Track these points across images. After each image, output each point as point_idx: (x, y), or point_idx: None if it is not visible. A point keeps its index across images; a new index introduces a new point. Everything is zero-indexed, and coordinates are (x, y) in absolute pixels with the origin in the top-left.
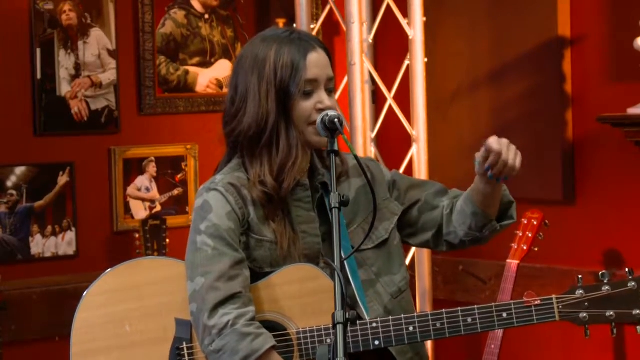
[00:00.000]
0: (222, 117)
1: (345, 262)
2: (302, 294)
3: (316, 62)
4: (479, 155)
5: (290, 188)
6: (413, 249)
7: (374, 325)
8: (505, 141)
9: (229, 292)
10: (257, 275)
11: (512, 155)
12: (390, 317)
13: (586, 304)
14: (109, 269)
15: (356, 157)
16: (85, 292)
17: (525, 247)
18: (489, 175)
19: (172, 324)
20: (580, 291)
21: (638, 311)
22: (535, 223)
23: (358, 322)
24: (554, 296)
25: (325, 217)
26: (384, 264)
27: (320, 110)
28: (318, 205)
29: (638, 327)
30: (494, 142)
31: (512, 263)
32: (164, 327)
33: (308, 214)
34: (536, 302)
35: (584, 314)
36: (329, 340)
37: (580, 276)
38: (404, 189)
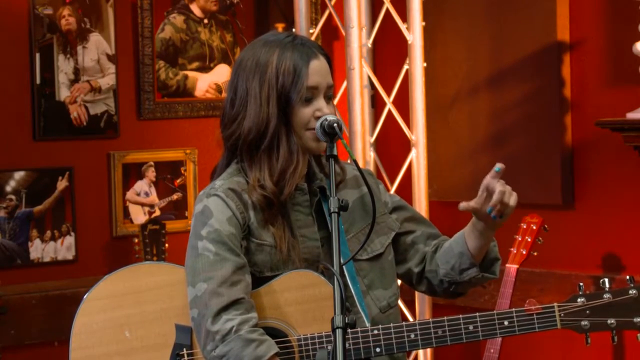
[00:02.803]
0: (220, 120)
1: (345, 268)
2: (303, 301)
3: (318, 69)
4: (478, 200)
5: (291, 193)
6: None
7: (375, 332)
8: (502, 182)
9: (232, 298)
10: (258, 279)
11: (512, 196)
12: (392, 325)
13: (587, 311)
14: (108, 274)
15: (355, 162)
16: (84, 297)
17: (524, 252)
18: (492, 216)
19: (172, 330)
20: (582, 299)
21: (639, 319)
22: (534, 227)
23: (359, 329)
24: (555, 304)
25: (323, 221)
26: (377, 277)
27: (319, 118)
28: (316, 210)
29: (639, 335)
30: (497, 184)
31: (512, 267)
32: (164, 332)
33: (306, 217)
34: (538, 310)
35: (585, 322)
36: (329, 347)
37: (581, 284)
38: (404, 217)
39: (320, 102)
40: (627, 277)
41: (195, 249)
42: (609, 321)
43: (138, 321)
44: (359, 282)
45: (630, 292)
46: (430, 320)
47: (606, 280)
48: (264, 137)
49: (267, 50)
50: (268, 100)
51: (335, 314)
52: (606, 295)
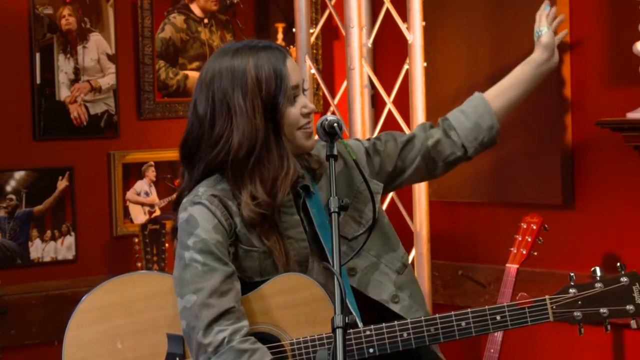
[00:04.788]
0: (186, 143)
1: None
2: (294, 304)
3: (293, 67)
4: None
5: (284, 199)
6: (412, 255)
7: (368, 333)
8: None
9: (222, 308)
10: (247, 285)
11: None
12: (384, 325)
13: (579, 302)
14: (98, 285)
15: (355, 162)
16: (75, 309)
17: (524, 252)
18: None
19: (164, 339)
20: (573, 290)
21: (631, 306)
22: (534, 227)
23: (352, 330)
24: (547, 297)
25: (308, 220)
26: (381, 244)
27: (306, 115)
28: (300, 209)
29: (632, 322)
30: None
31: (512, 267)
32: (156, 342)
33: (292, 218)
34: (529, 304)
35: (578, 313)
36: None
37: (572, 274)
38: (381, 150)
39: (304, 99)
40: (618, 264)
41: (182, 260)
42: (601, 310)
43: (130, 332)
44: (366, 257)
45: (622, 279)
46: (423, 318)
47: (597, 269)
48: (254, 149)
49: (239, 59)
50: (254, 111)
51: (335, 313)
52: (598, 285)
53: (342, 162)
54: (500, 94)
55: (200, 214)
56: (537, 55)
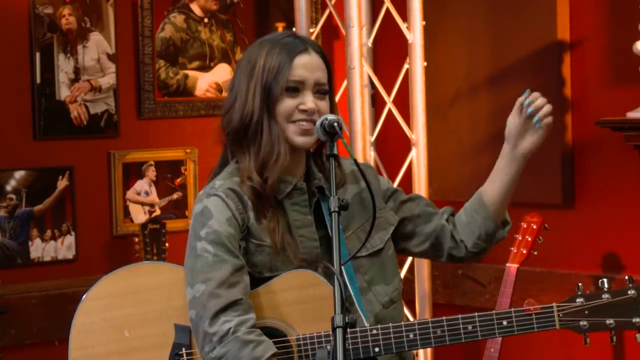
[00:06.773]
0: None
1: (343, 267)
2: (302, 301)
3: (305, 63)
4: (516, 109)
5: (275, 184)
6: None
7: (374, 332)
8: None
9: (230, 299)
10: (257, 280)
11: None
12: (391, 325)
13: (586, 312)
14: (108, 273)
15: (355, 161)
16: (83, 297)
17: (524, 251)
18: (533, 117)
19: (172, 330)
20: (581, 299)
21: (638, 319)
22: (534, 227)
23: (358, 329)
24: (554, 304)
25: (321, 221)
26: (377, 273)
27: (302, 111)
28: (314, 210)
29: (638, 335)
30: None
31: (512, 267)
32: (163, 332)
33: (305, 217)
34: (537, 310)
35: (584, 322)
36: (329, 347)
37: (580, 284)
38: (400, 201)
39: (306, 97)
40: (626, 277)
41: (194, 250)
42: (607, 321)
43: (137, 321)
44: (359, 279)
45: (629, 292)
46: (429, 320)
47: (605, 280)
48: (248, 127)
49: (259, 48)
50: (253, 94)
51: (335, 313)
52: (605, 296)
53: (358, 186)
54: (491, 184)
55: (215, 206)
56: (503, 148)
